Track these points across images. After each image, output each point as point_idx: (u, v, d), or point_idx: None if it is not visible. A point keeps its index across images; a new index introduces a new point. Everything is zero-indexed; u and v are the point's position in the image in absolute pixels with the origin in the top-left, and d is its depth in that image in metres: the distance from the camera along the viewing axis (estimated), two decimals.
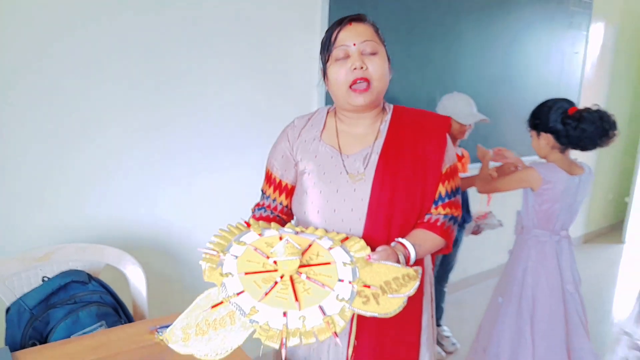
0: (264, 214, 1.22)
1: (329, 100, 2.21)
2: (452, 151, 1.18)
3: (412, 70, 2.58)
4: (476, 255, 3.23)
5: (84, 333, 1.21)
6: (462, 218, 2.44)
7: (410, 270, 0.95)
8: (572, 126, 1.72)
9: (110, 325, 1.27)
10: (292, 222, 1.22)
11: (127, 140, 1.72)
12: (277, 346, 0.78)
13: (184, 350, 0.80)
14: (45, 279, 1.31)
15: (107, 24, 1.62)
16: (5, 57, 1.45)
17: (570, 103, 1.78)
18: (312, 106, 2.21)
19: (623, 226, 4.58)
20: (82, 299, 1.30)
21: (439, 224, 1.13)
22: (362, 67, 1.05)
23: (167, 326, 1.16)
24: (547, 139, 1.82)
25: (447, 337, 2.60)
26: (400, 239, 1.08)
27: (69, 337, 1.19)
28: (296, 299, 0.86)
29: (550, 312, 1.86)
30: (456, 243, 2.52)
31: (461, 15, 2.74)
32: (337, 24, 1.09)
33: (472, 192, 2.33)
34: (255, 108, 2.03)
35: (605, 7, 3.88)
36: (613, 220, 4.93)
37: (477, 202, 2.58)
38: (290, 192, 1.22)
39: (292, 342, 0.79)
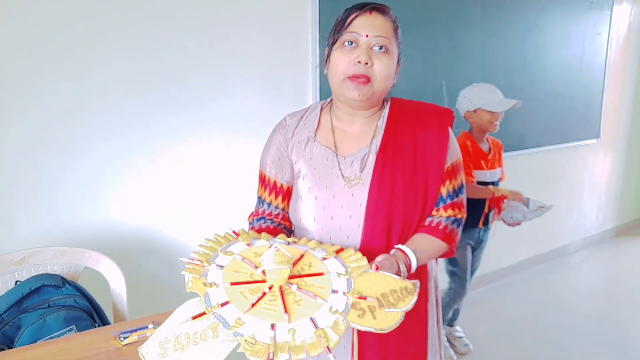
0: (264, 225, 1.12)
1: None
2: (455, 146, 1.09)
3: (415, 60, 2.46)
4: (493, 252, 3.07)
5: (51, 338, 1.18)
6: (485, 220, 2.29)
7: (409, 284, 0.88)
8: None
9: (81, 329, 1.24)
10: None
11: (115, 146, 1.70)
12: None
13: None
14: (18, 282, 1.29)
15: (104, 37, 1.62)
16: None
17: None
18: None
19: None
20: (55, 303, 1.27)
21: (441, 227, 1.05)
22: (366, 63, 0.97)
23: (131, 331, 1.13)
24: None
25: (460, 337, 2.47)
26: (400, 246, 1.00)
27: (35, 342, 1.16)
28: (285, 311, 0.79)
29: None
30: (481, 244, 2.40)
31: None
32: (356, 8, 1.00)
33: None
34: (247, 113, 1.98)
35: None
36: None
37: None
38: (287, 194, 1.13)
39: (281, 357, 0.72)
